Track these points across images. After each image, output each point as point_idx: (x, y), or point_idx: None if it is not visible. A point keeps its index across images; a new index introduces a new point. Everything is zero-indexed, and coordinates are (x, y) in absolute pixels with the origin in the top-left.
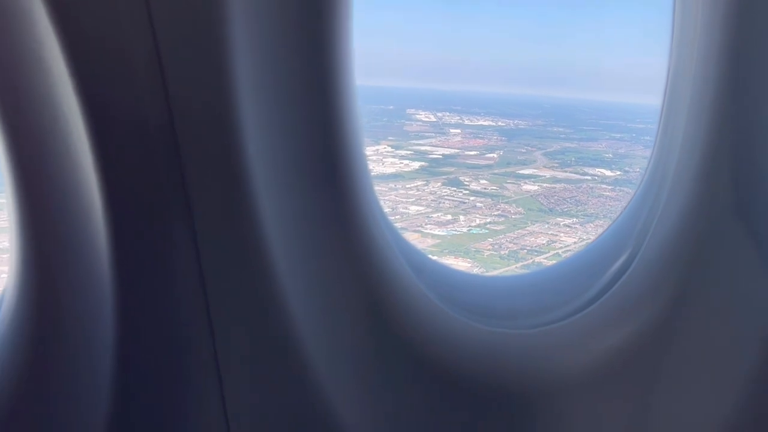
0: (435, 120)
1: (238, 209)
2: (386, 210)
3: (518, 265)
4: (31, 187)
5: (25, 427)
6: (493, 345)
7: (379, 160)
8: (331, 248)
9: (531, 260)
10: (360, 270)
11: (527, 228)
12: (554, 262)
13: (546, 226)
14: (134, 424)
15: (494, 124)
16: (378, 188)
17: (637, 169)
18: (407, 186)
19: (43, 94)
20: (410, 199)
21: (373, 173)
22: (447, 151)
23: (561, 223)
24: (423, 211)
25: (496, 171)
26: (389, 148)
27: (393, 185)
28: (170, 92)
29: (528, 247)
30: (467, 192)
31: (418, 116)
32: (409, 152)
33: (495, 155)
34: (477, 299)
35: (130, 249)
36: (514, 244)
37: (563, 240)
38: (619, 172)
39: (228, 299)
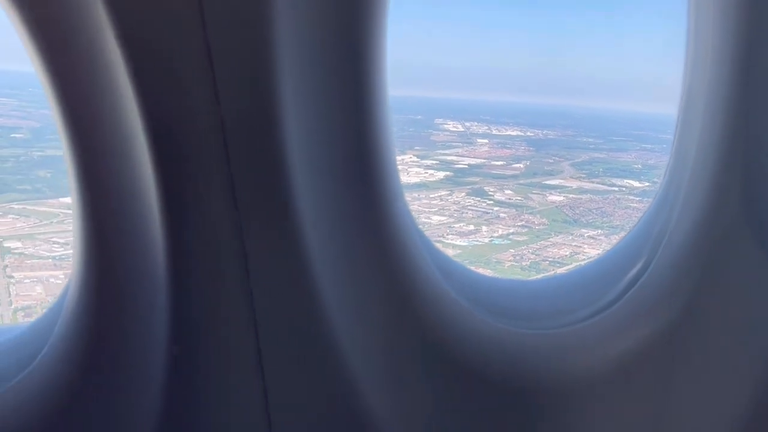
0: (463, 130)
1: (280, 211)
2: None
3: (539, 276)
4: (95, 186)
5: (84, 413)
6: (512, 345)
7: (404, 170)
8: (364, 252)
9: (553, 271)
10: (393, 276)
11: (550, 239)
12: None
13: (570, 237)
14: (182, 413)
15: (523, 134)
16: None
17: None
18: (431, 196)
19: (109, 103)
20: (433, 209)
21: None
22: (473, 161)
23: (585, 235)
24: (445, 221)
25: (521, 181)
26: (415, 158)
27: (417, 195)
28: (221, 100)
29: (550, 259)
30: (491, 202)
31: (446, 126)
32: (434, 162)
33: (521, 165)
34: (500, 301)
35: (183, 248)
36: (536, 255)
37: (587, 252)
38: (647, 183)
39: (271, 297)
